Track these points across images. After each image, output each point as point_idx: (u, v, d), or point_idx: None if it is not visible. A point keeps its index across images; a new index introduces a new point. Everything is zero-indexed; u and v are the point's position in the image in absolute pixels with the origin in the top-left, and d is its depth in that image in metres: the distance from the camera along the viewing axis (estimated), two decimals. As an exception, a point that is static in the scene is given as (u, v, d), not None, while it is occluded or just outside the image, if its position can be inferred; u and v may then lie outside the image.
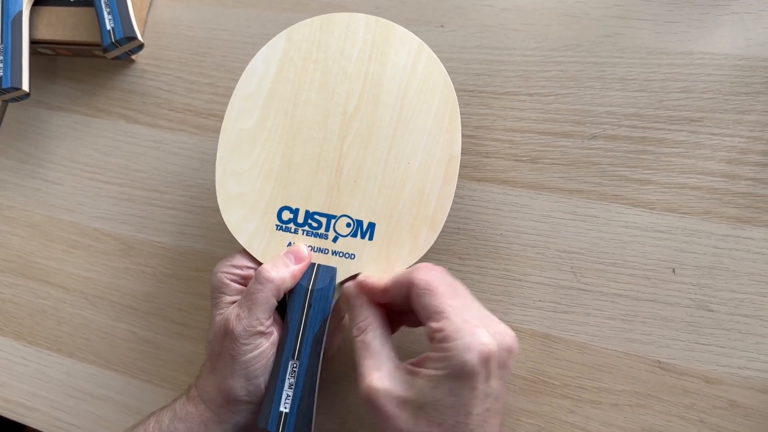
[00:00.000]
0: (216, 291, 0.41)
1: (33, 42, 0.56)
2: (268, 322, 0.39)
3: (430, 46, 0.50)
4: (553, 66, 0.47)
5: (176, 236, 0.53)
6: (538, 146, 0.46)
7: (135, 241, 0.54)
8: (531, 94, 0.47)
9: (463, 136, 0.48)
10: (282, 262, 0.40)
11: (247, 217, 0.42)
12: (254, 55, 0.54)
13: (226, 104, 0.54)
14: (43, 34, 0.56)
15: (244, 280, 0.41)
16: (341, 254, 0.41)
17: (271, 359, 0.40)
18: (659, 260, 0.43)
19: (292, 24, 0.54)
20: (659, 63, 0.45)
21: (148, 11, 0.58)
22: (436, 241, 0.47)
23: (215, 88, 0.55)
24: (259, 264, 0.41)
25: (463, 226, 0.47)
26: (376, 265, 0.40)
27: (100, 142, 0.57)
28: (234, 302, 0.41)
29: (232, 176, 0.42)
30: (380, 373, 0.35)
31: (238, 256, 0.42)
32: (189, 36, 0.57)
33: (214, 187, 0.53)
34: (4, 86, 0.53)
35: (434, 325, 0.34)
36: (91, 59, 0.59)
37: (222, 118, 0.54)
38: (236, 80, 0.54)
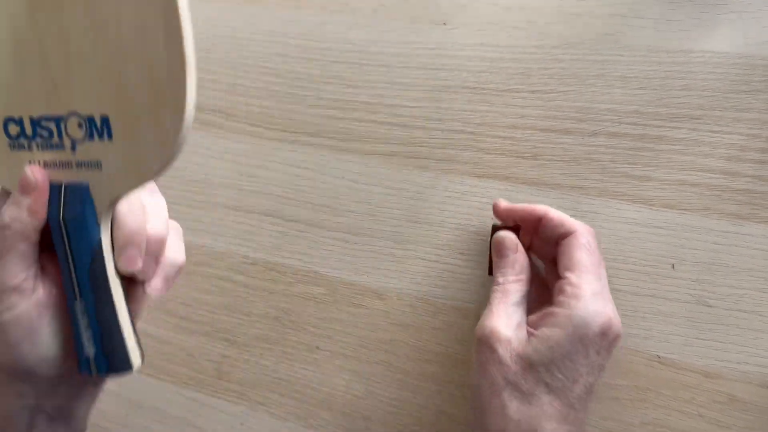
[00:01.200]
0: None
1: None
2: (23, 276, 0.31)
3: (432, 44, 0.51)
4: (555, 63, 0.48)
5: (179, 231, 0.53)
6: (539, 143, 0.47)
7: (138, 235, 0.54)
8: (532, 92, 0.48)
9: (465, 133, 0.48)
10: (11, 200, 0.32)
11: None
12: (258, 52, 0.55)
13: (230, 101, 0.54)
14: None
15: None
16: (86, 164, 0.33)
17: (37, 322, 0.32)
18: (659, 256, 0.43)
19: (296, 20, 0.54)
20: (660, 61, 0.46)
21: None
22: (436, 237, 0.47)
23: (218, 85, 0.55)
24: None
25: (464, 222, 0.47)
26: (126, 171, 0.32)
27: (104, 138, 0.57)
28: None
29: None
30: (509, 321, 0.36)
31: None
32: (192, 32, 0.57)
33: (216, 182, 0.53)
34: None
35: (573, 278, 0.35)
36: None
37: (226, 114, 0.54)
38: (240, 77, 0.55)
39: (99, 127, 0.32)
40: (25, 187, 0.32)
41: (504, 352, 0.35)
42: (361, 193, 0.50)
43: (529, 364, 0.35)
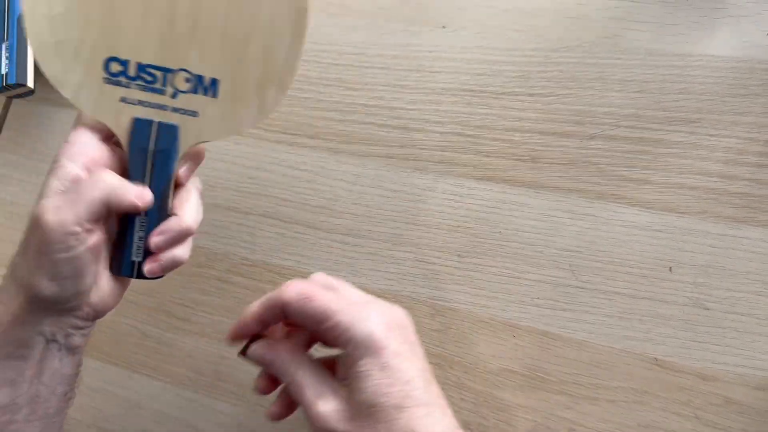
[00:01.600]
0: (48, 173, 0.35)
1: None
2: (89, 226, 0.33)
3: (431, 47, 0.51)
4: (554, 67, 0.48)
5: (178, 232, 0.53)
6: (538, 146, 0.47)
7: (137, 236, 0.54)
8: (531, 95, 0.48)
9: (464, 135, 0.48)
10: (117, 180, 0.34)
11: (69, 68, 0.36)
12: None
13: (229, 102, 0.54)
14: (49, 31, 0.57)
15: (88, 159, 0.35)
16: (182, 111, 0.36)
17: (86, 263, 0.34)
18: (656, 259, 0.43)
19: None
20: (658, 64, 0.46)
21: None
22: (434, 239, 0.47)
23: (218, 86, 0.55)
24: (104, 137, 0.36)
25: (462, 224, 0.47)
26: (220, 124, 0.36)
27: (104, 139, 0.57)
28: (65, 186, 0.34)
29: (44, 21, 0.35)
30: (325, 398, 0.34)
31: (77, 130, 0.36)
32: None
33: (216, 183, 0.53)
34: (9, 82, 0.54)
35: (327, 324, 0.33)
36: (96, 57, 0.60)
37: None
38: (239, 78, 0.55)
39: (206, 86, 0.36)
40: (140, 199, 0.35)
41: (343, 423, 0.33)
42: (360, 195, 0.50)
43: (368, 405, 0.32)
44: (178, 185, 0.38)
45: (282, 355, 0.36)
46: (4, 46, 0.55)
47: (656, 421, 0.42)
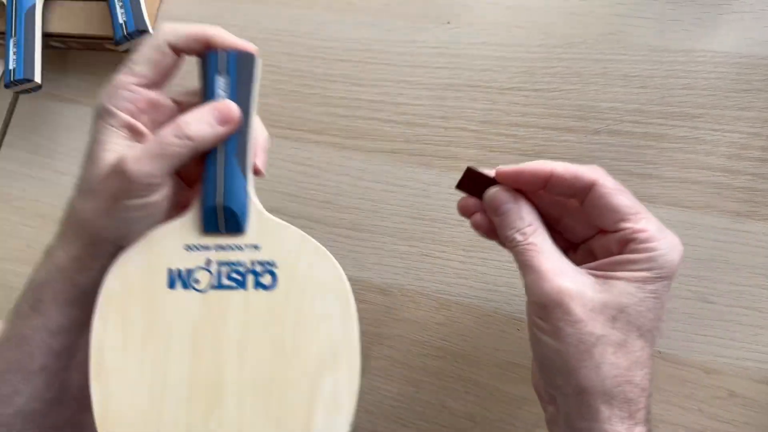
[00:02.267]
0: (98, 119, 0.35)
1: (45, 35, 0.57)
2: (165, 177, 0.35)
3: (436, 43, 0.51)
4: (558, 62, 0.48)
5: (184, 227, 0.54)
6: (542, 141, 0.47)
7: (144, 231, 0.55)
8: (535, 90, 0.48)
9: (469, 131, 0.49)
10: (207, 120, 0.35)
11: None
12: (263, 50, 0.55)
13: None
14: (56, 27, 0.57)
15: (133, 105, 0.35)
16: None
17: (156, 213, 0.36)
18: (660, 253, 0.43)
19: (302, 19, 0.55)
20: (661, 60, 0.46)
21: (159, 6, 0.59)
22: (440, 233, 0.48)
23: (224, 82, 0.56)
24: (145, 82, 0.36)
25: (467, 219, 0.47)
26: None
27: (110, 135, 0.58)
28: (119, 134, 0.35)
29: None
30: (567, 275, 0.33)
31: (120, 76, 0.36)
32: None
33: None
34: (17, 77, 0.54)
35: (635, 225, 0.33)
36: (103, 53, 0.60)
37: (231, 111, 0.55)
38: (245, 74, 0.55)
39: None
40: (224, 118, 0.35)
41: (581, 309, 0.32)
42: (365, 190, 0.50)
43: (619, 310, 0.32)
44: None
45: (530, 211, 0.35)
46: (11, 42, 0.55)
47: (660, 414, 0.42)
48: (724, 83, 0.45)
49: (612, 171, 0.45)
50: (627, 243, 0.33)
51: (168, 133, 0.34)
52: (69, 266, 0.36)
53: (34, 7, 0.56)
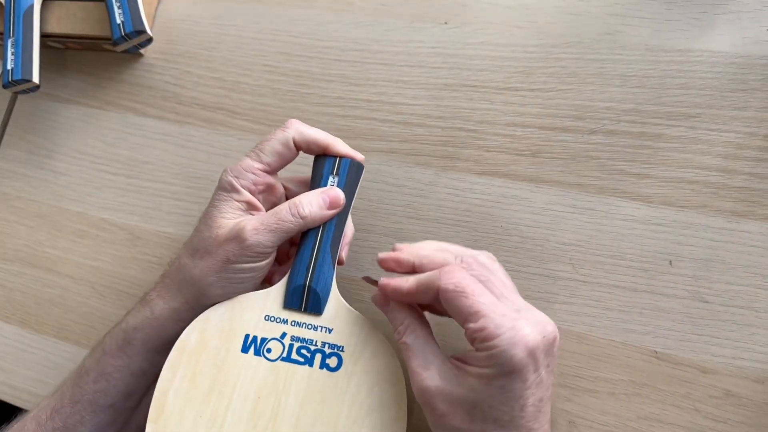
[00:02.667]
0: (223, 191, 0.42)
1: (44, 36, 0.57)
2: (278, 245, 0.41)
3: (433, 43, 0.51)
4: (554, 62, 0.48)
5: (182, 226, 0.54)
6: (539, 140, 0.47)
7: (141, 231, 0.55)
8: (532, 90, 0.48)
9: (465, 130, 0.49)
10: (318, 203, 0.41)
11: None
12: (261, 50, 0.56)
13: (234, 98, 0.55)
14: (54, 27, 0.57)
15: (254, 186, 0.42)
16: None
17: (261, 275, 0.41)
18: (656, 252, 0.44)
19: (299, 20, 0.55)
20: (658, 60, 0.46)
21: (157, 6, 0.59)
22: (436, 233, 0.48)
23: (223, 83, 0.56)
24: (268, 169, 0.42)
25: (464, 219, 0.48)
26: None
27: (108, 134, 0.58)
28: (239, 207, 0.41)
29: None
30: (430, 372, 0.35)
31: (247, 159, 0.42)
32: (197, 31, 0.58)
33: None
34: (15, 78, 0.54)
35: (473, 326, 0.34)
36: (100, 53, 0.60)
37: (229, 111, 0.55)
38: (243, 75, 0.55)
39: None
40: (333, 203, 0.41)
41: (442, 405, 0.34)
42: (362, 190, 0.50)
43: (472, 405, 0.34)
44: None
45: (403, 311, 0.38)
46: (9, 42, 0.55)
47: (656, 413, 0.42)
48: (721, 83, 0.45)
49: (608, 170, 0.45)
50: (473, 341, 0.34)
51: (284, 210, 0.40)
52: (166, 316, 0.41)
53: (32, 7, 0.56)
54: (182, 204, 0.54)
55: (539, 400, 0.34)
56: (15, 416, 0.45)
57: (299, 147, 0.42)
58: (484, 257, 0.38)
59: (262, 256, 0.40)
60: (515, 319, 0.33)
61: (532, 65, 0.49)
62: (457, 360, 0.36)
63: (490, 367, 0.33)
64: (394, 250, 0.41)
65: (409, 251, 0.39)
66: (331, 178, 0.42)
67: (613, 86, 0.47)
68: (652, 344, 0.43)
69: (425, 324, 0.39)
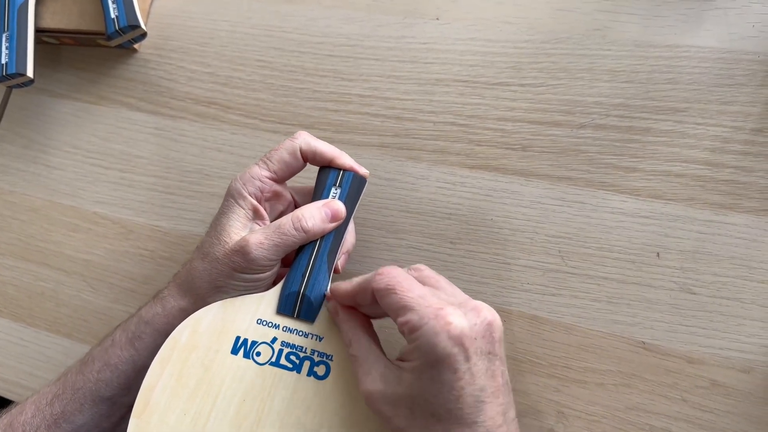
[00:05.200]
0: (231, 198, 0.43)
1: (38, 31, 0.58)
2: (281, 258, 0.42)
3: (425, 38, 0.52)
4: (545, 58, 0.49)
5: (175, 220, 0.54)
6: (529, 135, 0.48)
7: (134, 224, 0.55)
8: (522, 85, 0.49)
9: (457, 125, 0.49)
10: (320, 217, 0.42)
11: None
12: (254, 45, 0.56)
13: (227, 93, 0.55)
14: (48, 22, 0.58)
15: (261, 193, 0.43)
16: None
17: (265, 284, 0.42)
18: (644, 245, 0.44)
19: (292, 15, 0.55)
20: (646, 55, 0.47)
21: (152, 2, 0.59)
22: (428, 226, 0.48)
23: (216, 77, 0.56)
24: (275, 177, 0.43)
25: (454, 212, 0.48)
26: None
27: (102, 129, 0.58)
28: (246, 215, 0.42)
29: None
30: (371, 376, 0.36)
31: (255, 167, 0.43)
32: (191, 26, 0.58)
33: (212, 173, 0.54)
34: (9, 72, 0.54)
35: (400, 319, 0.34)
36: (95, 48, 0.60)
37: (222, 106, 0.55)
38: (236, 69, 0.56)
39: None
40: (335, 216, 0.42)
41: (386, 406, 0.34)
42: (355, 184, 0.51)
43: (411, 401, 0.33)
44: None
45: (349, 323, 0.39)
46: (4, 36, 0.55)
47: (643, 403, 0.42)
48: (708, 78, 0.46)
49: (596, 164, 0.46)
50: (403, 336, 0.35)
51: (287, 224, 0.41)
52: (175, 314, 0.42)
53: (26, 2, 0.56)
54: (175, 198, 0.54)
55: (479, 389, 0.32)
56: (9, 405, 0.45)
57: (306, 157, 0.43)
58: (425, 271, 0.39)
59: (266, 268, 0.41)
60: (439, 309, 0.33)
61: (523, 61, 0.49)
62: (398, 360, 0.36)
63: (418, 359, 0.33)
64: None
65: (343, 284, 0.40)
66: (333, 190, 0.43)
67: (602, 81, 0.47)
68: (639, 335, 0.43)
69: (370, 333, 0.39)
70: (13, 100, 0.62)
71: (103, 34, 0.56)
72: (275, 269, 0.42)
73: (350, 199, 0.43)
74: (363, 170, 0.44)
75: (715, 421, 0.41)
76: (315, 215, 0.42)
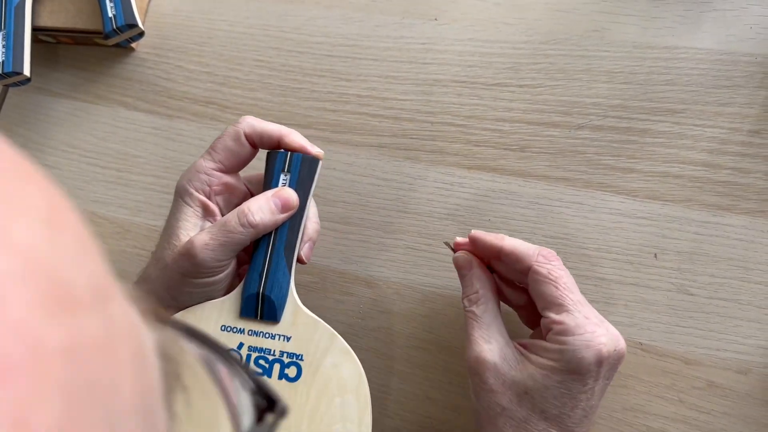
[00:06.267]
0: (178, 197, 0.41)
1: (35, 29, 0.57)
2: (233, 257, 0.39)
3: (423, 39, 0.52)
4: (543, 59, 0.49)
5: (172, 220, 0.54)
6: (527, 135, 0.48)
7: (131, 224, 0.55)
8: (521, 86, 0.49)
9: (455, 125, 0.49)
10: (269, 208, 0.39)
11: None
12: (252, 45, 0.56)
13: (224, 92, 0.55)
14: (46, 21, 0.57)
15: (209, 188, 0.40)
16: None
17: (222, 286, 0.40)
18: (642, 246, 0.44)
19: (290, 15, 0.55)
20: (644, 57, 0.47)
21: (149, 1, 0.59)
22: (426, 227, 0.48)
23: (213, 77, 0.56)
24: (222, 168, 0.40)
25: (453, 213, 0.48)
26: None
27: (99, 128, 0.58)
28: (195, 213, 0.40)
29: None
30: (491, 346, 0.36)
31: (200, 160, 0.41)
32: (188, 26, 0.58)
33: (210, 172, 0.54)
34: (5, 70, 0.54)
35: (554, 316, 0.34)
36: (92, 47, 0.60)
37: (220, 105, 0.55)
38: (234, 69, 0.56)
39: None
40: (285, 206, 0.39)
41: (494, 381, 0.35)
42: (352, 184, 0.51)
43: (524, 391, 0.34)
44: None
45: (483, 280, 0.38)
46: (0, 35, 0.55)
47: (640, 404, 0.42)
48: (706, 79, 0.46)
49: (594, 165, 0.46)
50: (547, 331, 0.35)
51: (233, 220, 0.38)
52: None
53: (23, 0, 0.56)
54: (172, 197, 0.54)
55: (590, 407, 0.34)
56: None
57: (252, 142, 0.41)
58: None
59: (216, 270, 0.38)
60: (596, 325, 0.34)
61: (521, 61, 0.49)
62: (522, 346, 0.36)
63: (556, 361, 0.34)
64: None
65: (495, 236, 0.38)
66: (282, 176, 0.40)
67: (600, 82, 0.47)
68: (637, 336, 0.43)
69: (497, 301, 0.38)
70: (9, 99, 0.62)
71: (100, 33, 0.56)
72: (229, 270, 0.39)
73: (302, 184, 0.40)
74: (315, 150, 0.41)
75: (712, 423, 0.41)
76: (263, 207, 0.38)
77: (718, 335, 0.42)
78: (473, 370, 0.36)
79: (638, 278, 0.44)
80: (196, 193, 0.40)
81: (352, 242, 0.50)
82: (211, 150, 0.40)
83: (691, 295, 0.43)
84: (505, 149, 0.48)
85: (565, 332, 0.33)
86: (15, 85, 0.57)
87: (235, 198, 0.42)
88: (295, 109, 0.53)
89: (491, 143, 0.48)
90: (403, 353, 0.47)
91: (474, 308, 0.37)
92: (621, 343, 0.35)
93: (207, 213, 0.40)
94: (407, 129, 0.50)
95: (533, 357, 0.35)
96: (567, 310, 0.34)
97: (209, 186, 0.40)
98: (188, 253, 0.37)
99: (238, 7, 0.57)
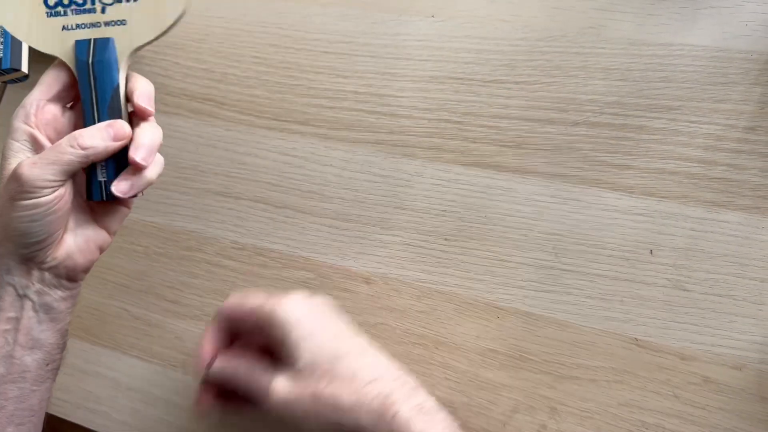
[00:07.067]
0: (7, 136, 0.39)
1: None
2: (63, 180, 0.38)
3: (420, 36, 0.52)
4: (539, 56, 0.49)
5: (169, 216, 0.54)
6: (523, 132, 0.48)
7: (128, 220, 0.54)
8: (517, 83, 0.49)
9: (451, 122, 0.49)
10: (101, 136, 0.39)
11: (18, 13, 0.41)
12: (249, 42, 0.56)
13: (222, 89, 0.55)
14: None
15: (35, 117, 0.39)
16: (113, 23, 0.41)
17: (56, 215, 0.38)
18: (637, 242, 0.44)
19: (287, 12, 0.55)
20: (640, 54, 0.47)
21: None
22: (423, 223, 0.48)
23: (211, 74, 0.56)
24: (49, 96, 0.40)
25: (449, 209, 0.48)
26: (147, 25, 0.41)
27: (97, 125, 0.58)
28: (22, 147, 0.39)
29: None
30: (275, 378, 0.40)
31: (30, 93, 0.40)
32: (186, 23, 0.58)
33: (207, 169, 0.54)
34: (3, 67, 0.54)
35: (256, 318, 0.42)
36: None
37: (217, 102, 0.55)
38: (232, 66, 0.56)
39: None
40: (118, 135, 0.39)
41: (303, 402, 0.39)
42: (349, 181, 0.51)
43: (309, 367, 0.40)
44: (138, 117, 0.41)
45: (236, 361, 0.42)
46: (-2, 31, 0.55)
47: (636, 399, 0.42)
48: (701, 76, 0.46)
49: (590, 162, 0.46)
50: (268, 334, 0.42)
51: (64, 142, 0.38)
52: None
53: (21, -3, 0.56)
54: (169, 194, 0.54)
55: (340, 330, 0.43)
56: None
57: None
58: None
59: (43, 189, 0.37)
60: (281, 297, 0.43)
61: (517, 58, 0.49)
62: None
63: (283, 331, 0.41)
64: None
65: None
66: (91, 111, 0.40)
67: (596, 79, 0.47)
68: (632, 332, 0.43)
69: (250, 359, 0.42)
70: (8, 94, 0.62)
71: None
72: (58, 192, 0.38)
73: (104, 70, 0.41)
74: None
75: (707, 418, 0.41)
76: (96, 134, 0.38)
77: (713, 331, 0.42)
78: (281, 409, 0.40)
79: (634, 274, 0.44)
80: (22, 125, 0.39)
81: (350, 239, 0.50)
82: (39, 81, 0.40)
83: (687, 291, 0.43)
84: (501, 146, 0.48)
85: (265, 316, 0.42)
86: (13, 81, 0.57)
87: (69, 129, 0.41)
88: (293, 106, 0.53)
89: (488, 140, 0.49)
90: (401, 349, 0.47)
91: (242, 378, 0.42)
92: (315, 297, 0.44)
93: (36, 145, 0.39)
94: (404, 126, 0.50)
95: (281, 356, 0.41)
96: (258, 306, 0.42)
97: (35, 115, 0.39)
98: (15, 174, 0.37)
99: (236, 4, 0.57)
